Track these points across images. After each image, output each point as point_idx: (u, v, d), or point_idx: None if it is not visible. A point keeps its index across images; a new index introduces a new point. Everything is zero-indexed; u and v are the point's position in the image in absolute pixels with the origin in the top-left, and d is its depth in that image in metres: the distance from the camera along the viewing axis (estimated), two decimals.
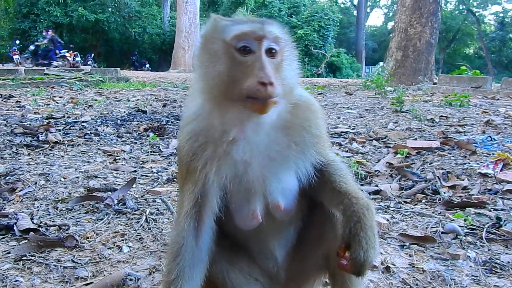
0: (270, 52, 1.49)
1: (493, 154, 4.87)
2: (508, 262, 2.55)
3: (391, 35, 21.34)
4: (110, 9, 43.87)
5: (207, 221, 1.65)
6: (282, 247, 1.85)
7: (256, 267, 1.83)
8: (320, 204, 1.79)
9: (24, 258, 2.57)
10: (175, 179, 4.21)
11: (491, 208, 3.42)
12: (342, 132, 6.64)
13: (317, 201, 1.79)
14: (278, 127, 1.60)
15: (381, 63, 17.86)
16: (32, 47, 31.74)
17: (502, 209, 3.37)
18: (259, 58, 1.46)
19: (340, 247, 1.55)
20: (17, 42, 36.42)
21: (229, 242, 1.76)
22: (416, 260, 2.61)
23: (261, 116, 1.49)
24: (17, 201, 3.54)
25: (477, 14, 61.75)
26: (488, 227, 3.02)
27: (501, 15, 61.22)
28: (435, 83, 16.91)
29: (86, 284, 2.29)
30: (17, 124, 6.40)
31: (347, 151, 5.44)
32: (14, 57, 32.70)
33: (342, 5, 69.62)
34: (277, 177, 1.64)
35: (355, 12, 65.05)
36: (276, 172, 1.63)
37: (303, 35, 41.70)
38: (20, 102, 9.53)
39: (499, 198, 3.63)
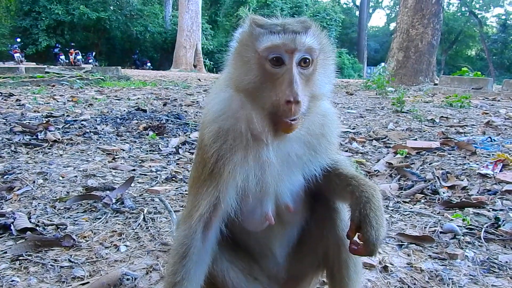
0: (304, 63, 1.48)
1: (492, 155, 4.85)
2: (506, 262, 2.55)
3: (393, 36, 21.29)
4: (112, 7, 43.90)
5: (216, 224, 1.65)
6: (284, 247, 1.86)
7: (256, 266, 1.84)
8: (321, 202, 1.81)
9: (20, 257, 2.56)
10: (173, 178, 4.21)
11: (490, 208, 3.41)
12: (342, 132, 6.63)
13: (319, 196, 1.80)
14: (300, 132, 1.61)
15: (382, 64, 17.86)
16: None
17: (501, 209, 3.36)
18: (289, 72, 1.44)
19: (350, 229, 1.59)
20: (18, 40, 36.49)
21: (229, 241, 1.75)
22: (414, 260, 2.61)
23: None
24: (15, 200, 3.53)
25: (479, 16, 61.66)
26: (487, 227, 3.01)
27: (504, 17, 61.17)
28: (436, 84, 16.89)
29: (83, 284, 2.29)
30: (16, 123, 6.39)
31: (347, 151, 5.43)
32: (15, 55, 32.79)
33: (344, 6, 69.61)
34: (289, 179, 1.66)
35: (357, 13, 65.06)
36: (288, 174, 1.65)
37: None
38: (20, 100, 9.52)
39: (498, 198, 3.62)
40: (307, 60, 1.48)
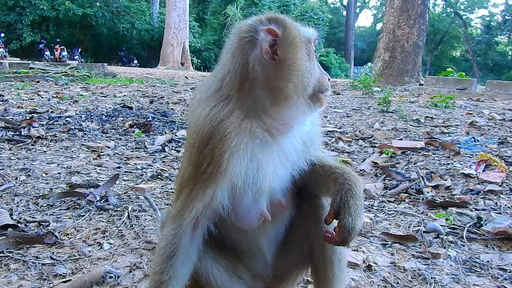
0: None
1: (476, 155, 4.91)
2: (488, 261, 2.58)
3: (379, 36, 21.45)
4: (98, 4, 43.39)
5: (204, 223, 1.64)
6: (272, 244, 1.86)
7: (240, 265, 1.83)
8: (306, 199, 1.82)
9: (1, 254, 2.52)
10: (159, 176, 4.18)
11: (473, 208, 3.46)
12: (328, 131, 6.65)
13: (304, 192, 1.81)
14: (306, 129, 1.70)
15: (369, 64, 17.96)
16: None
17: (483, 209, 3.40)
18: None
19: (329, 214, 1.62)
20: (2, 35, 35.88)
21: (214, 239, 1.73)
22: (398, 259, 2.62)
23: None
24: None
25: (464, 17, 62.48)
26: (469, 226, 3.05)
27: (488, 18, 62.08)
28: (421, 84, 17.05)
29: (65, 282, 2.25)
30: None
31: (333, 150, 5.45)
32: None
33: (331, 5, 69.84)
34: (281, 175, 1.66)
35: (344, 13, 65.35)
36: (282, 170, 1.66)
37: None
38: (3, 96, 9.36)
39: (480, 198, 3.66)
40: None
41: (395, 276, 2.43)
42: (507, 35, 61.14)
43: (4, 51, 32.67)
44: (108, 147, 5.23)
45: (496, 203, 3.51)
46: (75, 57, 37.54)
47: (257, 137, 1.55)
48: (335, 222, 1.61)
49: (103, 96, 10.40)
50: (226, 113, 1.54)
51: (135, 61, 43.29)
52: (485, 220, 3.13)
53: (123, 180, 4.05)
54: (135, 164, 4.61)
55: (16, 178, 3.87)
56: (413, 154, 5.16)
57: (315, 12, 45.69)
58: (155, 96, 10.72)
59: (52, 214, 3.18)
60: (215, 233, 1.69)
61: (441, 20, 62.67)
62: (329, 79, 1.67)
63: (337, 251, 1.79)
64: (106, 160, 4.68)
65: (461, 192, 3.87)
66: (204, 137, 1.55)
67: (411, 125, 7.47)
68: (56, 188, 3.71)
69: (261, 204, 1.67)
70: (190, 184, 1.61)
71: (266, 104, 1.57)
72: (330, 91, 1.68)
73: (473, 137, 6.04)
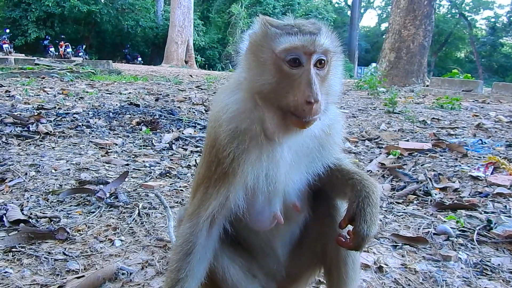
0: (320, 64, 1.50)
1: (483, 157, 4.90)
2: (499, 264, 2.58)
3: (384, 36, 21.41)
4: (103, 1, 43.38)
5: (220, 222, 1.66)
6: (286, 245, 1.87)
7: (254, 263, 1.84)
8: (321, 200, 1.82)
9: (13, 249, 2.54)
10: (167, 174, 4.19)
11: (482, 210, 3.45)
12: None
13: (319, 193, 1.80)
14: (311, 133, 1.63)
15: (374, 64, 17.93)
16: None
17: (493, 212, 3.40)
18: (307, 73, 1.45)
19: (344, 219, 1.63)
20: (7, 31, 35.95)
21: (230, 238, 1.75)
22: (409, 261, 2.63)
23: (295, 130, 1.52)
24: (7, 192, 3.49)
25: (469, 18, 62.19)
26: (479, 229, 3.05)
27: (493, 20, 61.74)
28: (427, 86, 17.02)
29: (78, 277, 2.27)
30: (7, 114, 6.30)
31: None
32: (4, 46, 32.32)
33: (336, 5, 69.69)
34: (296, 178, 1.67)
35: (349, 12, 65.19)
36: (297, 174, 1.66)
37: None
38: (9, 92, 9.38)
39: (489, 201, 3.66)
40: (323, 61, 1.50)
41: (406, 278, 2.43)
42: None
43: (9, 47, 32.72)
44: (116, 144, 5.25)
45: (506, 206, 3.50)
46: (80, 54, 37.55)
47: (263, 139, 1.57)
48: (349, 226, 1.63)
49: (109, 93, 10.41)
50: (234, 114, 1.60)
51: (139, 59, 43.29)
52: (495, 223, 3.12)
53: (131, 177, 4.06)
54: (143, 161, 4.62)
55: (26, 174, 3.89)
56: (420, 156, 5.15)
57: (319, 11, 45.60)
58: (160, 94, 10.72)
59: (62, 210, 3.20)
60: (231, 232, 1.72)
61: (446, 21, 62.40)
62: (310, 102, 1.42)
63: (351, 252, 1.80)
64: (114, 157, 4.69)
65: (469, 194, 3.86)
66: (213, 138, 1.61)
67: (417, 126, 7.45)
68: (65, 184, 3.73)
69: (274, 207, 1.68)
70: (205, 183, 1.65)
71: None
72: (313, 116, 1.45)
73: (481, 139, 6.03)
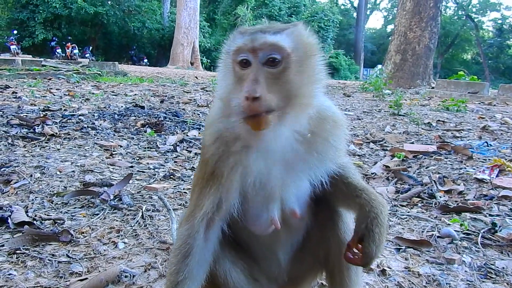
0: (273, 62, 1.46)
1: (489, 159, 4.87)
2: (503, 268, 2.56)
3: (390, 38, 21.36)
4: (109, 2, 43.63)
5: (218, 224, 1.67)
6: (288, 251, 1.87)
7: (256, 267, 1.84)
8: (323, 204, 1.81)
9: (18, 251, 2.55)
10: (171, 176, 4.20)
11: (487, 213, 3.43)
12: None
13: (321, 198, 1.79)
14: (298, 137, 1.59)
15: (379, 66, 17.94)
16: None
17: (498, 215, 3.37)
18: (251, 70, 1.45)
19: (352, 240, 1.65)
20: (15, 32, 36.29)
21: (231, 241, 1.76)
22: (412, 264, 2.62)
23: (261, 132, 1.47)
24: (12, 194, 3.51)
25: (475, 20, 61.93)
26: (484, 232, 3.03)
27: (500, 21, 61.43)
28: (433, 88, 16.97)
29: (81, 280, 2.28)
30: (13, 115, 6.34)
31: None
32: (11, 47, 32.63)
33: (342, 7, 69.67)
34: (294, 184, 1.66)
35: (355, 14, 65.16)
36: (294, 179, 1.65)
37: None
38: (16, 93, 9.45)
39: (494, 203, 3.63)
40: (276, 60, 1.46)
41: (410, 281, 2.42)
42: None
43: (16, 48, 33.01)
44: (121, 146, 5.27)
45: (511, 209, 3.48)
46: (86, 55, 37.81)
47: (239, 144, 1.58)
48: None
49: (114, 95, 10.46)
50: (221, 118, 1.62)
51: (145, 60, 43.52)
52: (499, 226, 3.10)
53: (136, 179, 4.08)
54: (148, 163, 4.64)
55: (31, 176, 3.91)
56: (425, 158, 5.13)
57: (325, 13, 45.56)
58: (166, 96, 10.76)
59: (67, 212, 3.21)
60: (230, 234, 1.72)
61: (452, 22, 62.20)
62: (247, 98, 1.40)
63: None
64: (119, 159, 4.71)
65: (474, 197, 3.84)
66: (202, 140, 1.69)
67: (422, 129, 7.43)
68: (70, 186, 3.75)
69: (272, 212, 1.67)
70: (199, 184, 1.68)
71: None
72: (252, 113, 1.41)
73: (486, 142, 5.99)
